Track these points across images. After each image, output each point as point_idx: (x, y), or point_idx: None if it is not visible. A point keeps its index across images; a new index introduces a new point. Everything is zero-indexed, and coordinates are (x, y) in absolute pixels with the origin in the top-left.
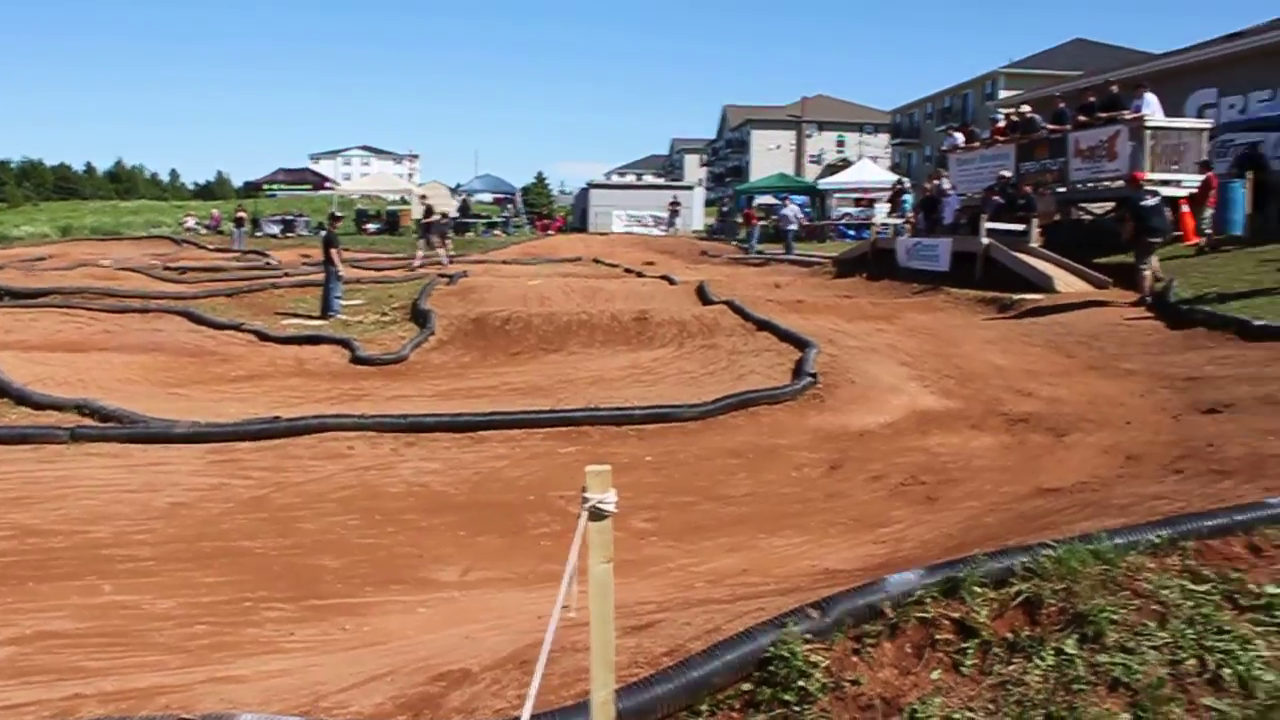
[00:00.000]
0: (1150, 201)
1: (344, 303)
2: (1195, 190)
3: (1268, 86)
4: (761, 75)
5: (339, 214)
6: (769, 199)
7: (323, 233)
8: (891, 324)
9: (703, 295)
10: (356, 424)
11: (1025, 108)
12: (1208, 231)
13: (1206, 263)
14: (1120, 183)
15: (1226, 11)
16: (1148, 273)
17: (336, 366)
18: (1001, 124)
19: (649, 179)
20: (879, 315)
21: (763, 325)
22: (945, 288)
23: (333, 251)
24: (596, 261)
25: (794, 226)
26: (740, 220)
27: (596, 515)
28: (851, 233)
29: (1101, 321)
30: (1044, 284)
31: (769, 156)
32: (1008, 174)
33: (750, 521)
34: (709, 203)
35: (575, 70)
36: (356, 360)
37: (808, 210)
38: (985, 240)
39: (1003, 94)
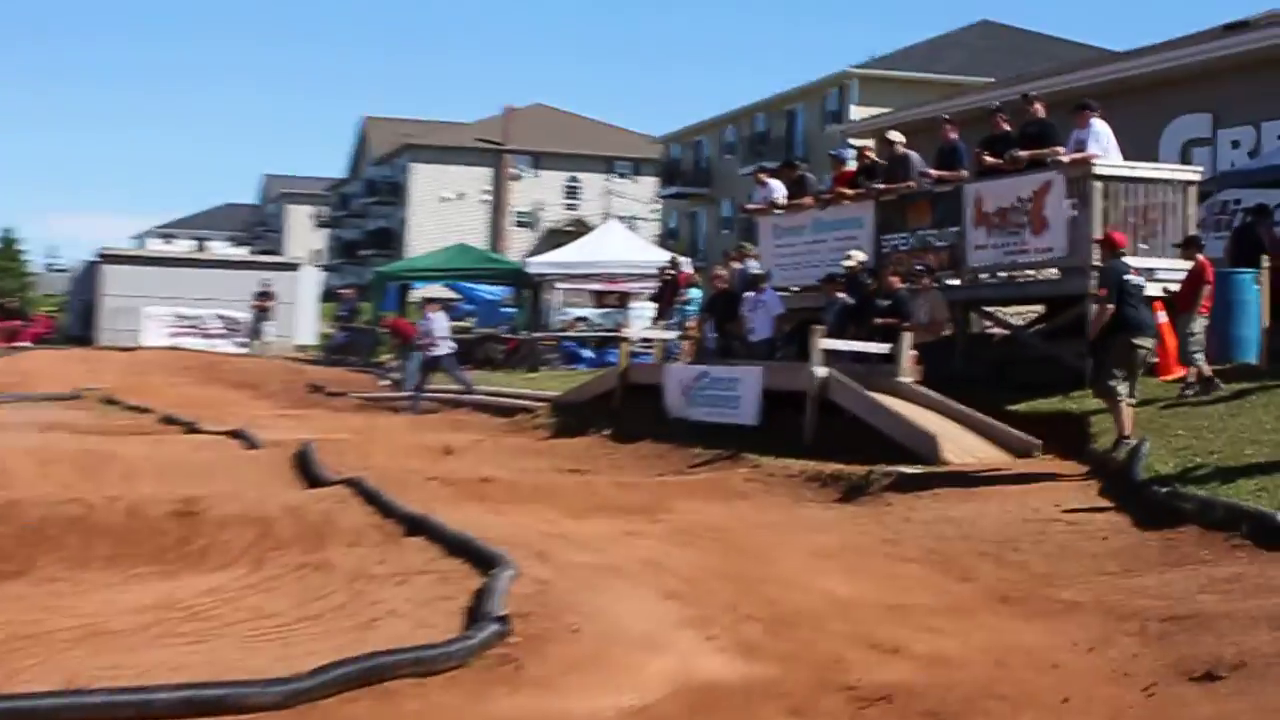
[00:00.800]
0: (1137, 278)
1: None
2: (1176, 287)
3: None
4: (433, 74)
5: None
6: (440, 289)
7: None
8: (654, 522)
9: (308, 470)
10: None
11: (894, 136)
12: (1198, 359)
13: (1197, 413)
14: (1053, 272)
15: None
16: (1126, 408)
17: None
18: (852, 166)
19: (219, 248)
20: (631, 506)
21: (416, 526)
22: (751, 455)
23: None
24: (110, 402)
25: (443, 350)
26: (386, 330)
27: None
28: (587, 354)
29: (1024, 516)
30: (923, 449)
31: (441, 212)
32: (862, 256)
33: None
34: (330, 294)
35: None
36: None
37: (506, 311)
38: (822, 372)
39: (856, 112)
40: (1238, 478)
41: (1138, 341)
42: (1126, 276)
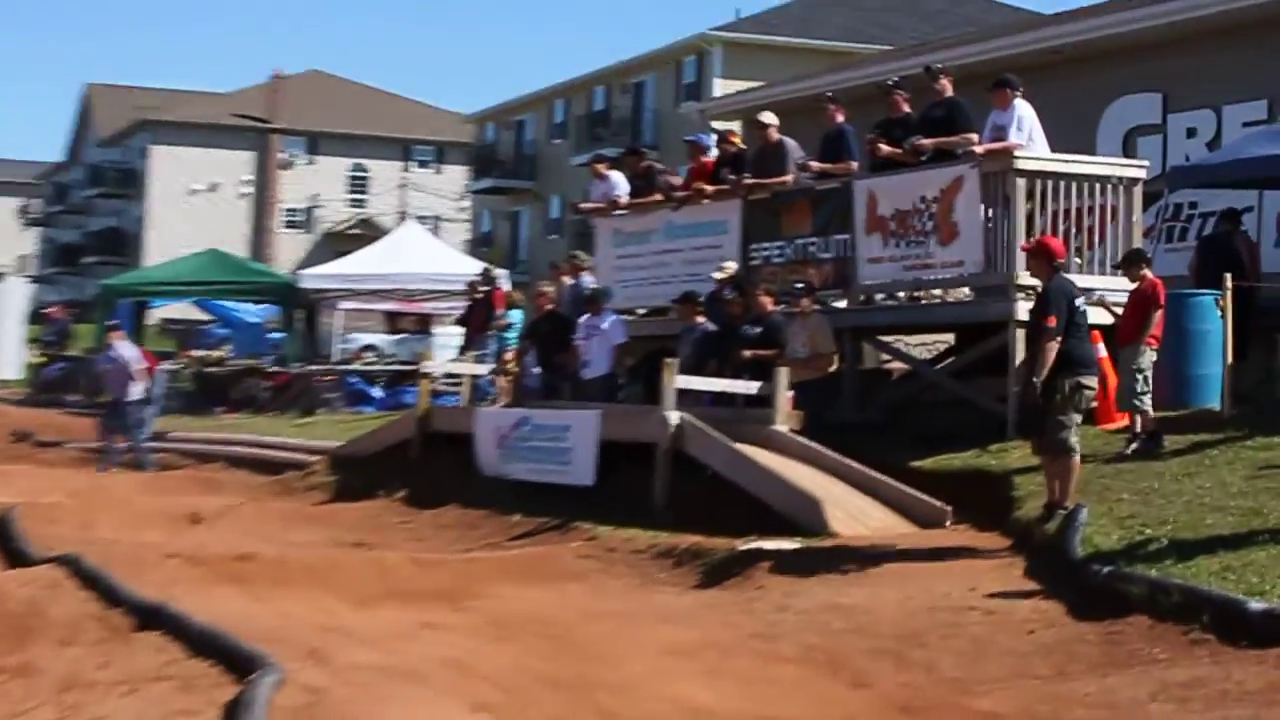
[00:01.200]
0: (1081, 299)
1: None
2: (1119, 313)
3: (1263, 93)
4: (177, 31)
5: None
6: (185, 308)
7: None
8: (460, 611)
9: (8, 544)
10: None
11: (766, 118)
12: (1145, 403)
13: (1145, 471)
14: (966, 292)
15: None
16: (1077, 468)
17: None
18: (712, 156)
19: None
20: (432, 591)
21: (151, 618)
22: (586, 524)
23: None
24: None
25: (139, 396)
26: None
27: None
28: (377, 393)
29: (931, 604)
30: (804, 517)
31: (189, 208)
32: (730, 266)
33: None
34: (38, 314)
35: None
36: None
37: (273, 338)
38: (675, 417)
39: (719, 86)
40: (1197, 554)
41: (1086, 381)
42: (1077, 300)
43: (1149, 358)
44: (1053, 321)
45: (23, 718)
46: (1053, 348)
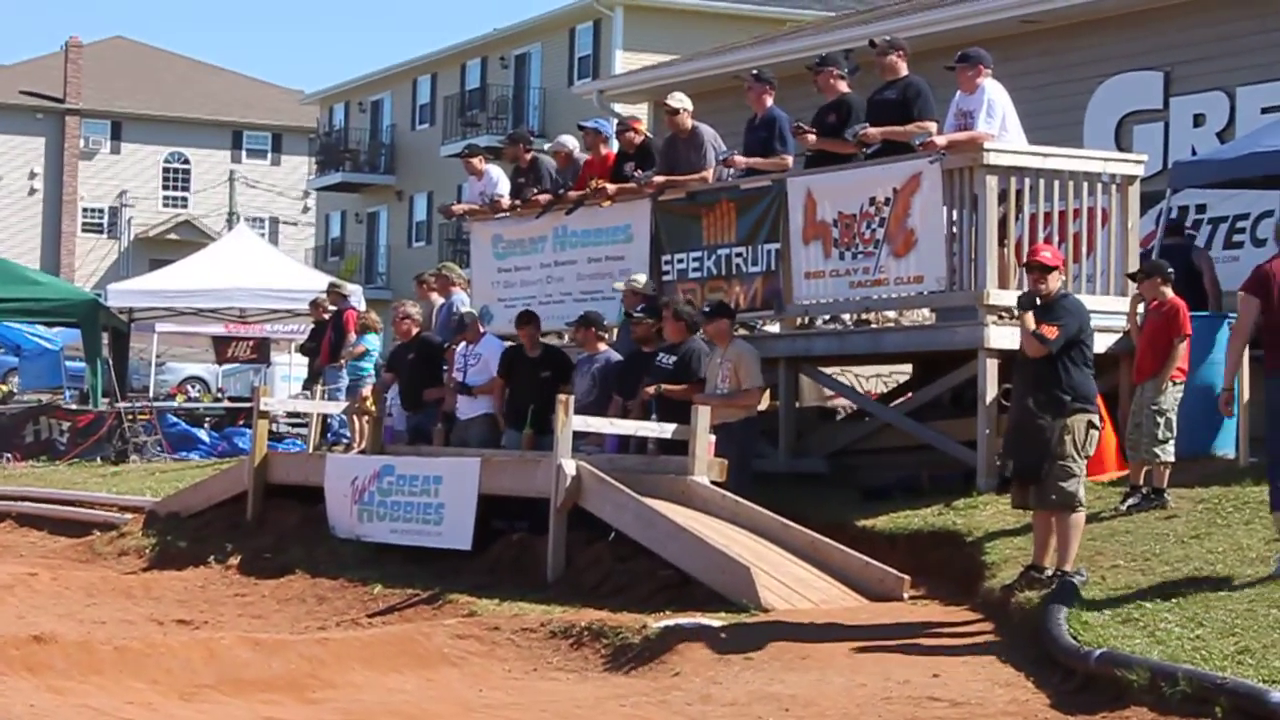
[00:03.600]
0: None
1: None
2: (1117, 341)
3: None
4: None
5: None
6: None
7: None
8: (308, 703)
9: None
10: None
11: (678, 101)
12: (1167, 452)
13: (1145, 532)
14: (925, 313)
15: None
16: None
17: None
18: (612, 148)
19: None
20: (274, 679)
21: None
22: (464, 596)
23: None
24: None
25: None
26: None
27: None
28: (203, 435)
29: (885, 693)
30: (731, 588)
31: None
32: (638, 279)
33: None
34: None
35: None
36: None
37: (73, 368)
38: (571, 467)
39: (621, 60)
40: (1208, 633)
41: (1096, 421)
42: (1059, 324)
43: (1173, 397)
44: (1054, 332)
45: None
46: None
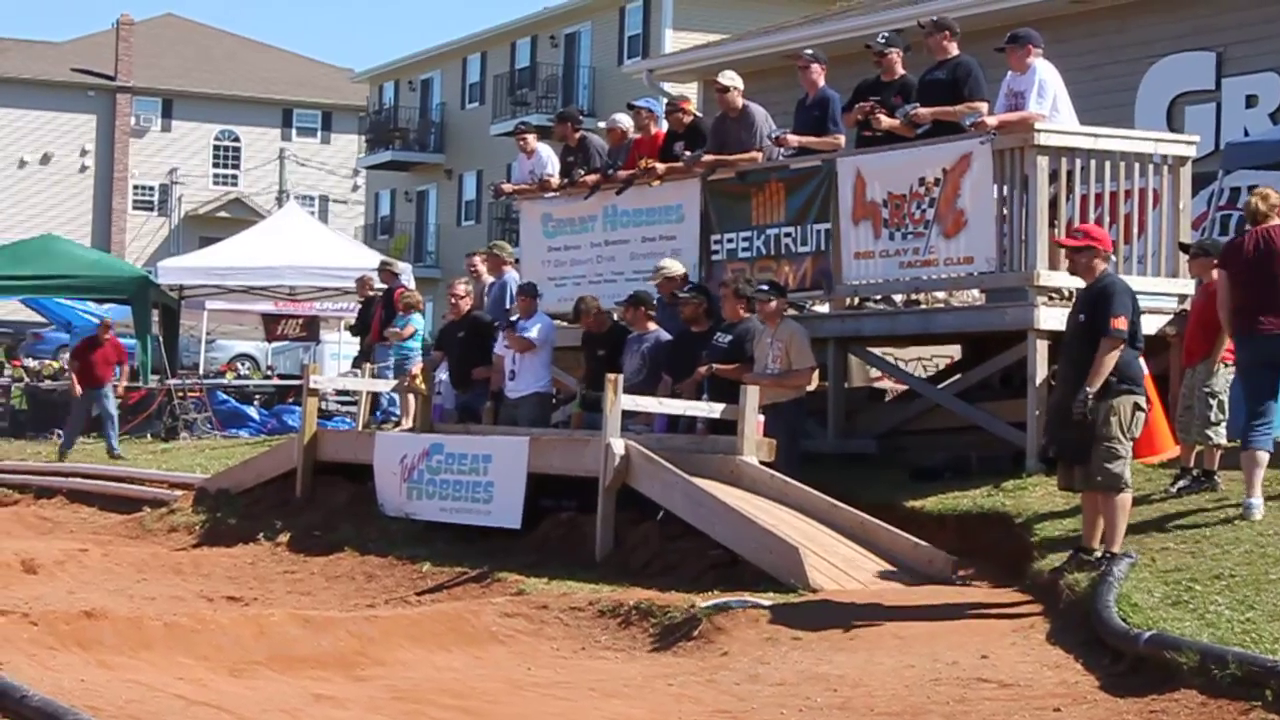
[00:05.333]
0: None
1: None
2: (1168, 322)
3: None
4: None
5: None
6: (13, 307)
7: None
8: (358, 681)
9: None
10: None
11: (729, 80)
12: (1217, 435)
13: (1197, 514)
14: (975, 294)
15: None
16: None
17: None
18: (662, 127)
19: None
20: (324, 656)
21: None
22: (512, 575)
23: None
24: None
25: None
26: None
27: None
28: (254, 413)
29: (934, 674)
30: (779, 568)
31: (17, 184)
32: (679, 267)
33: None
34: None
35: None
36: None
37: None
38: (621, 446)
39: (670, 40)
40: (1258, 616)
41: (1143, 403)
42: (1115, 319)
43: (1224, 379)
44: (1122, 323)
45: None
46: (1115, 357)
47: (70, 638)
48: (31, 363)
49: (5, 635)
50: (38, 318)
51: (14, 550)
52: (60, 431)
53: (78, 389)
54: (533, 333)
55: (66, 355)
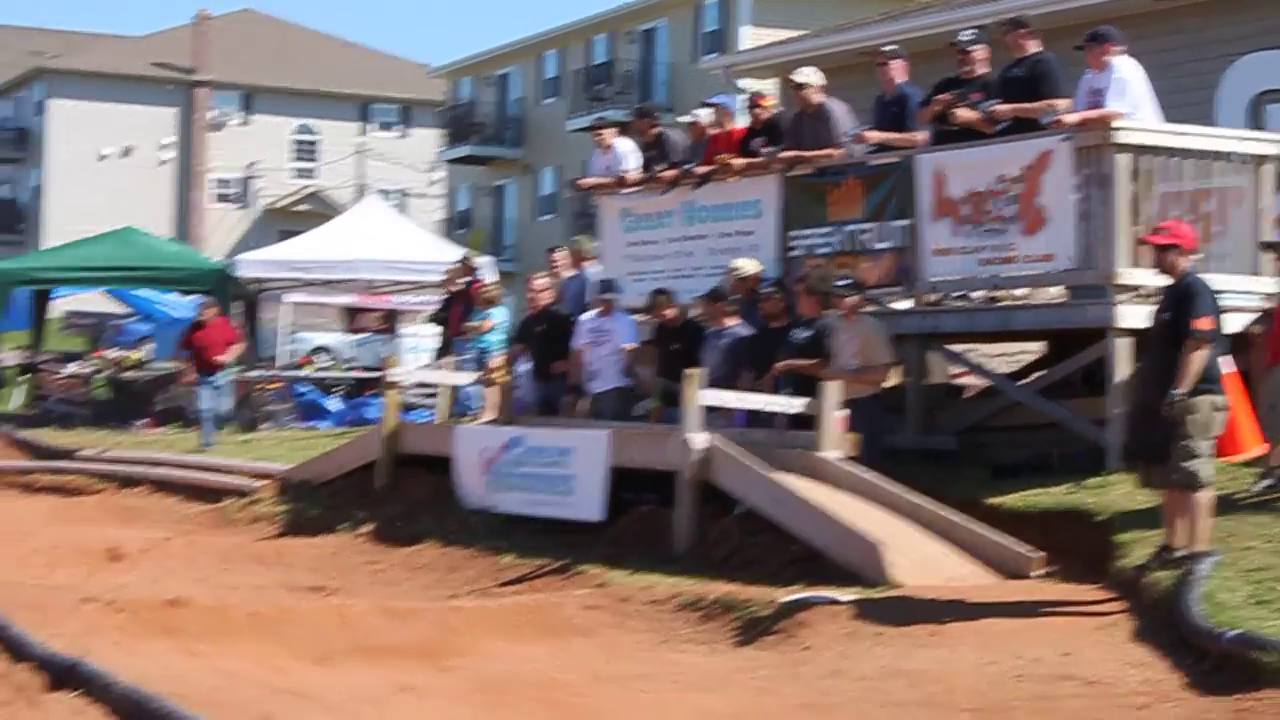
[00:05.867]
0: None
1: None
2: (1253, 321)
3: None
4: None
5: None
6: (99, 298)
7: None
8: (442, 671)
9: None
10: None
11: (807, 76)
12: None
13: None
14: (1057, 291)
15: None
16: (1210, 506)
17: None
18: (736, 124)
19: None
20: (407, 646)
21: (66, 676)
22: (594, 567)
23: None
24: None
25: None
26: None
27: None
28: (334, 404)
29: (1017, 670)
30: (860, 563)
31: (97, 177)
32: (754, 265)
33: None
34: None
35: None
36: None
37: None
38: (702, 441)
39: (748, 36)
40: None
41: (1222, 402)
42: (1197, 311)
43: None
44: (1207, 323)
45: None
46: (1202, 357)
47: (155, 625)
48: (114, 353)
49: (92, 623)
50: (119, 309)
51: (99, 539)
52: (142, 422)
53: (193, 376)
54: (610, 355)
55: (151, 346)
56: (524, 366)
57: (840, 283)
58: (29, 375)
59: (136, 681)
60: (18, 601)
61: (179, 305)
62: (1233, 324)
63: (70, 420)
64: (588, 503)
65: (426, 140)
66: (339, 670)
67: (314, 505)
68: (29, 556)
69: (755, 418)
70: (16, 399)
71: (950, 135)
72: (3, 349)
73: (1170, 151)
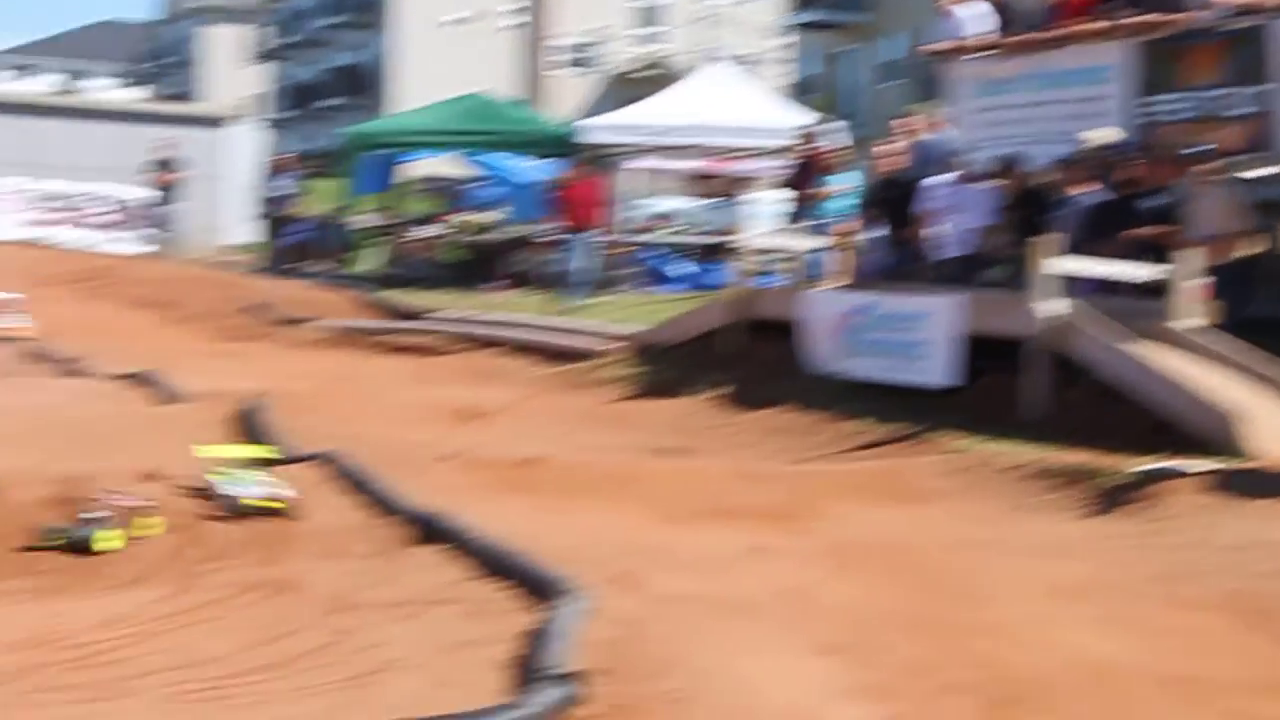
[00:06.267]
0: None
1: None
2: None
3: None
4: None
5: None
6: (452, 162)
7: None
8: (795, 534)
9: (256, 438)
10: None
11: None
12: None
13: None
14: None
15: None
16: None
17: None
18: None
19: (99, 88)
20: (760, 508)
21: (429, 530)
22: (945, 434)
23: None
24: None
25: None
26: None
27: None
28: (681, 269)
29: None
30: (1218, 433)
31: (443, 43)
32: (1107, 134)
33: None
34: (280, 167)
35: None
36: None
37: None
38: (1057, 309)
39: None
40: None
41: None
42: None
43: None
44: None
45: (286, 639)
46: None
47: (513, 483)
48: (470, 216)
49: (450, 479)
50: (466, 172)
51: (456, 398)
52: (493, 284)
53: (565, 235)
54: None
55: (506, 208)
56: (872, 232)
57: (1195, 149)
58: (383, 237)
59: (499, 537)
60: (382, 458)
61: (530, 170)
62: None
63: (423, 282)
64: (939, 369)
65: (771, 5)
66: (692, 530)
67: (662, 369)
68: (390, 414)
69: (1103, 286)
70: (371, 260)
71: None
72: (356, 211)
73: None
